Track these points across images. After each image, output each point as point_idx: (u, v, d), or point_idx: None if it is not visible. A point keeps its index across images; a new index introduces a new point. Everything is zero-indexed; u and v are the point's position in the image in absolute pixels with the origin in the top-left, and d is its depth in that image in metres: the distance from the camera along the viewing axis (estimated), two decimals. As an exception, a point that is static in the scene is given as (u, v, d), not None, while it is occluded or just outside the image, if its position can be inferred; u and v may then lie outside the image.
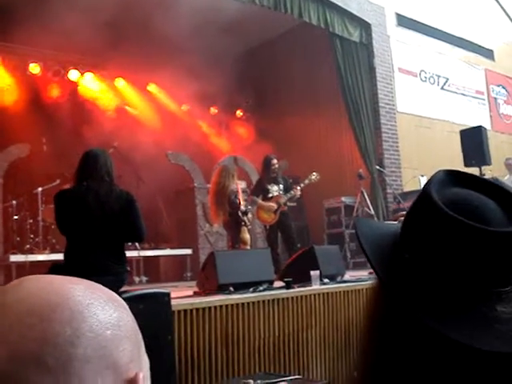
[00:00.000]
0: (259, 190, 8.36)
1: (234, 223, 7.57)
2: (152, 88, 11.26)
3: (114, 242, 4.36)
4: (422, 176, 10.37)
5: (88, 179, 4.39)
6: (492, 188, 1.00)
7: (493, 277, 0.94)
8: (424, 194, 0.98)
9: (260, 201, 8.16)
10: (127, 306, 0.65)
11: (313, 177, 8.52)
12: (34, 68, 9.96)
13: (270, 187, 8.28)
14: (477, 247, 0.91)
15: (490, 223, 0.92)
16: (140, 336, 0.64)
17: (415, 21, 11.67)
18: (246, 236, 7.57)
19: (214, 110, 12.20)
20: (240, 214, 7.46)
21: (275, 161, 8.41)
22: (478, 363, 0.90)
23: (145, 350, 0.65)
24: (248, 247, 7.51)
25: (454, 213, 0.92)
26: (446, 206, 0.93)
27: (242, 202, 7.59)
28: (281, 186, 8.35)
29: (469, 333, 0.88)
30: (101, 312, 0.59)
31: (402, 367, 0.94)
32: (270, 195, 8.23)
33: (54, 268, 4.30)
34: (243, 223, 7.49)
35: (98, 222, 4.28)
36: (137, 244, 8.62)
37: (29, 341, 0.53)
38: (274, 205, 8.14)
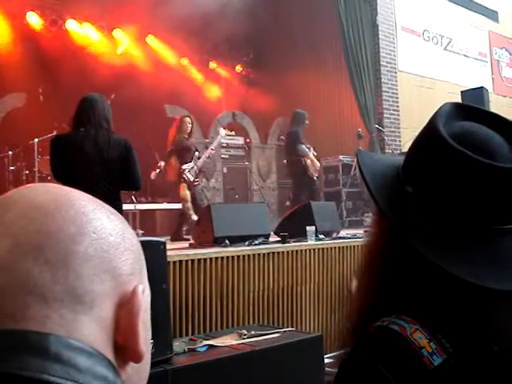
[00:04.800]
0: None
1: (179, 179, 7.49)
2: (150, 40, 11.09)
3: (111, 188, 4.35)
4: (422, 137, 10.31)
5: (86, 125, 4.34)
6: (499, 122, 0.99)
7: (497, 213, 0.93)
8: (430, 127, 0.97)
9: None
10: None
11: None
12: (31, 17, 9.80)
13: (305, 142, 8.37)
14: (482, 182, 0.90)
15: (495, 158, 0.91)
16: (143, 256, 0.62)
17: (420, -21, 11.46)
18: (183, 193, 7.44)
19: (213, 65, 12.07)
20: (181, 170, 7.37)
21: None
22: (482, 299, 0.91)
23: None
24: (187, 204, 7.36)
25: (460, 146, 0.91)
26: (453, 139, 0.92)
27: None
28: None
29: (475, 271, 0.89)
30: (106, 219, 0.58)
31: (402, 300, 0.95)
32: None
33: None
34: (182, 179, 7.39)
35: (96, 169, 4.26)
36: (133, 197, 8.61)
37: (30, 233, 0.52)
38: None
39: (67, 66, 9.09)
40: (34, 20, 9.85)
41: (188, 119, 7.70)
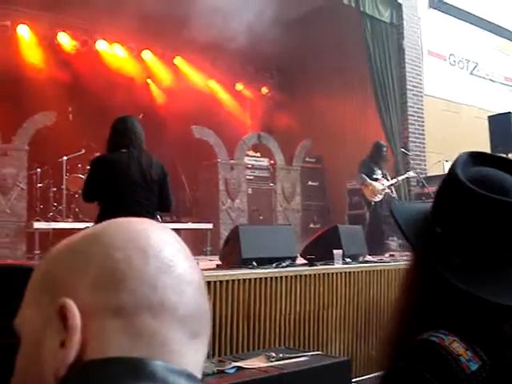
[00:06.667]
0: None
1: None
2: (178, 61, 11.24)
3: (150, 210, 4.41)
4: (447, 161, 10.26)
5: (129, 147, 4.39)
6: (510, 165, 1.15)
7: None
8: (450, 174, 1.14)
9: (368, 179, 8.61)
10: None
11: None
12: (62, 37, 9.99)
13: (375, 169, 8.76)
14: (499, 217, 1.05)
15: (509, 195, 1.06)
16: None
17: (447, 3, 11.47)
18: None
19: (239, 86, 12.17)
20: None
21: (385, 149, 8.98)
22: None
23: None
24: None
25: (477, 188, 1.06)
26: (471, 182, 1.08)
27: None
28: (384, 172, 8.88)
29: (504, 294, 1.03)
30: None
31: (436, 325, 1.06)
32: (375, 177, 8.66)
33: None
34: None
35: (138, 191, 4.33)
36: (158, 217, 8.65)
37: (202, 282, 0.67)
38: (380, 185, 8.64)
39: (96, 85, 9.24)
40: (64, 40, 10.04)
41: None
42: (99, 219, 4.38)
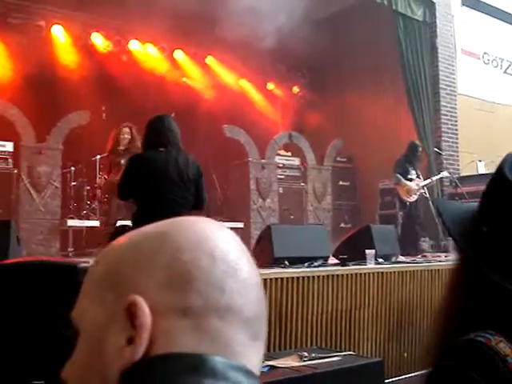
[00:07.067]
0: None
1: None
2: (210, 61, 11.28)
3: (185, 210, 4.44)
4: (480, 161, 10.13)
5: (167, 145, 4.43)
6: None
7: None
8: (498, 173, 1.13)
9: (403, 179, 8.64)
10: None
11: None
12: (96, 37, 10.11)
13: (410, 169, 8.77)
14: None
15: None
16: None
17: (480, 1, 11.32)
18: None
19: (270, 86, 12.17)
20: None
21: (420, 149, 9.02)
22: None
23: None
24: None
25: None
26: None
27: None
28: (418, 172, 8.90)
29: None
30: None
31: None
32: (409, 177, 8.69)
33: (121, 230, 4.32)
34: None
35: (175, 190, 4.36)
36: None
37: (255, 271, 0.67)
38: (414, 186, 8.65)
39: (129, 85, 9.34)
40: (98, 40, 10.16)
41: (126, 129, 7.43)
42: (136, 217, 4.43)
